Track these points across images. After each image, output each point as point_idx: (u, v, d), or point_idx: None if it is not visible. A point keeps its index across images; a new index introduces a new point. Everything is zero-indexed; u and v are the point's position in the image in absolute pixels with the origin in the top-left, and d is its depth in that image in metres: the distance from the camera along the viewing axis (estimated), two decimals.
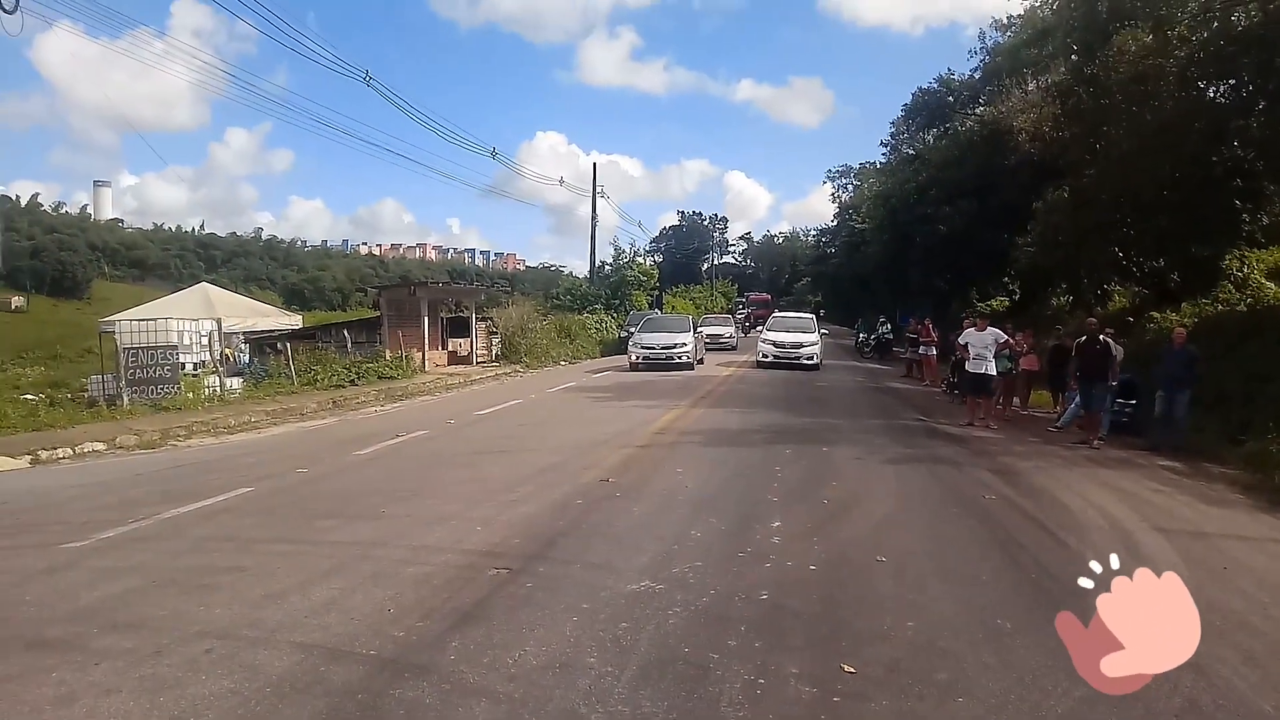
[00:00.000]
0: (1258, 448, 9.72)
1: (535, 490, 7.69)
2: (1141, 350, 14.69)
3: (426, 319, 23.95)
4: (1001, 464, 9.80)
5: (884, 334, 32.82)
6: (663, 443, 10.72)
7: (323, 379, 18.31)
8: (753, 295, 68.86)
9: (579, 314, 35.79)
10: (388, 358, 21.35)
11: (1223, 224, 16.81)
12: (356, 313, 47.78)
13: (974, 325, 14.31)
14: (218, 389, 15.95)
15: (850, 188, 64.46)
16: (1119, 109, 16.59)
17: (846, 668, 3.81)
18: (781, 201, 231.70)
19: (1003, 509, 7.42)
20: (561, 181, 44.78)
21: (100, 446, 11.32)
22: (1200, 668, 3.93)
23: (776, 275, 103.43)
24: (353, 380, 18.71)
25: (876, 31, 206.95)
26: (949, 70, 36.18)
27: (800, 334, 25.10)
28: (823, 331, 26.80)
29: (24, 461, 10.33)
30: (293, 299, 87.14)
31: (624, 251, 41.05)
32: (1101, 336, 12.14)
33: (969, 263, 30.03)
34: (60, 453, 10.83)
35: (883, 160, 46.26)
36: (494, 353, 28.04)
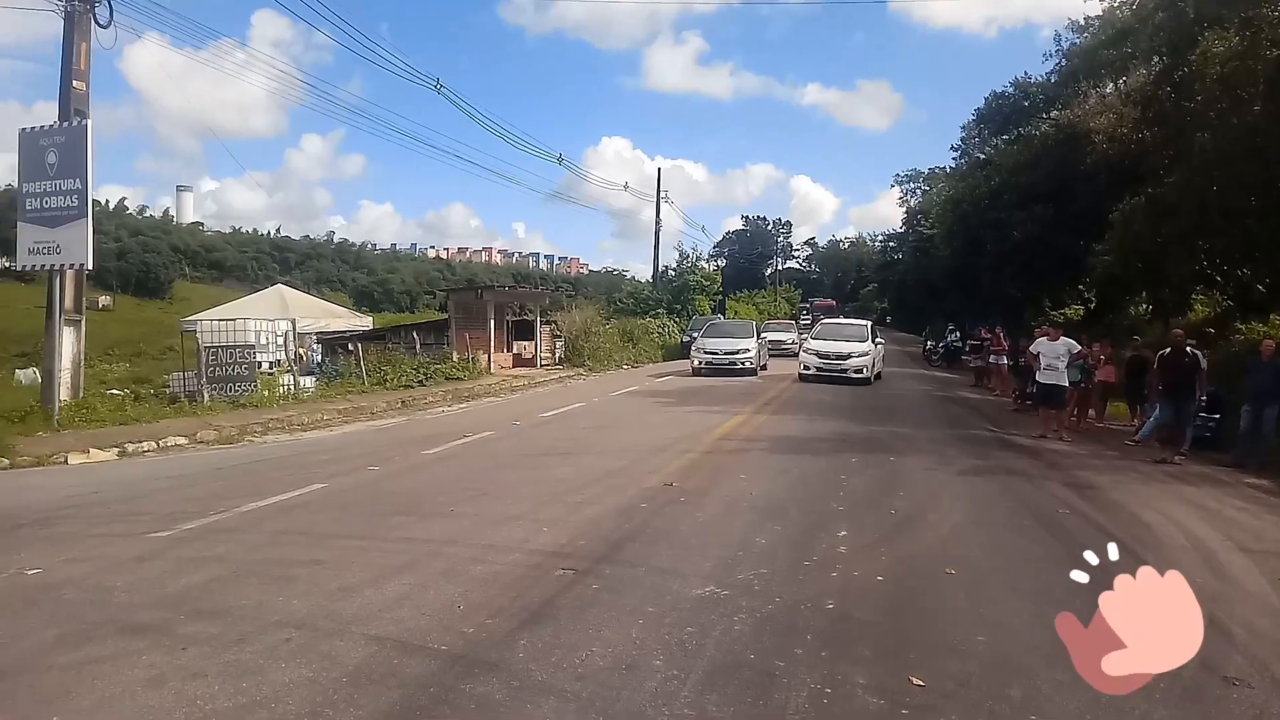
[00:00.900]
0: None
1: (600, 493, 7.75)
2: (1226, 362, 14.13)
3: (492, 322, 24.32)
4: (1076, 478, 9.54)
5: (953, 342, 32.17)
6: (726, 449, 10.70)
7: (392, 379, 18.72)
8: (817, 301, 68.15)
9: (641, 318, 35.93)
10: (455, 359, 21.75)
11: None
12: (424, 315, 48.71)
13: (1047, 334, 13.97)
14: (292, 387, 16.43)
15: (919, 192, 63.41)
16: (1205, 113, 15.98)
17: (915, 680, 3.76)
18: (848, 206, 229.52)
19: (1078, 524, 7.22)
20: (626, 186, 45.34)
21: (182, 441, 11.79)
22: None
23: (842, 281, 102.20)
24: (421, 381, 19.10)
25: (948, 34, 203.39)
26: (1025, 74, 35.36)
27: (849, 342, 21.89)
28: (878, 341, 23.49)
29: (113, 454, 10.81)
30: (363, 301, 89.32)
31: (687, 256, 41.12)
32: (1188, 348, 11.71)
33: (1042, 269, 29.22)
34: (145, 446, 11.30)
35: (953, 165, 45.38)
36: (557, 356, 28.33)
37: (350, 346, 21.17)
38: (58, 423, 11.83)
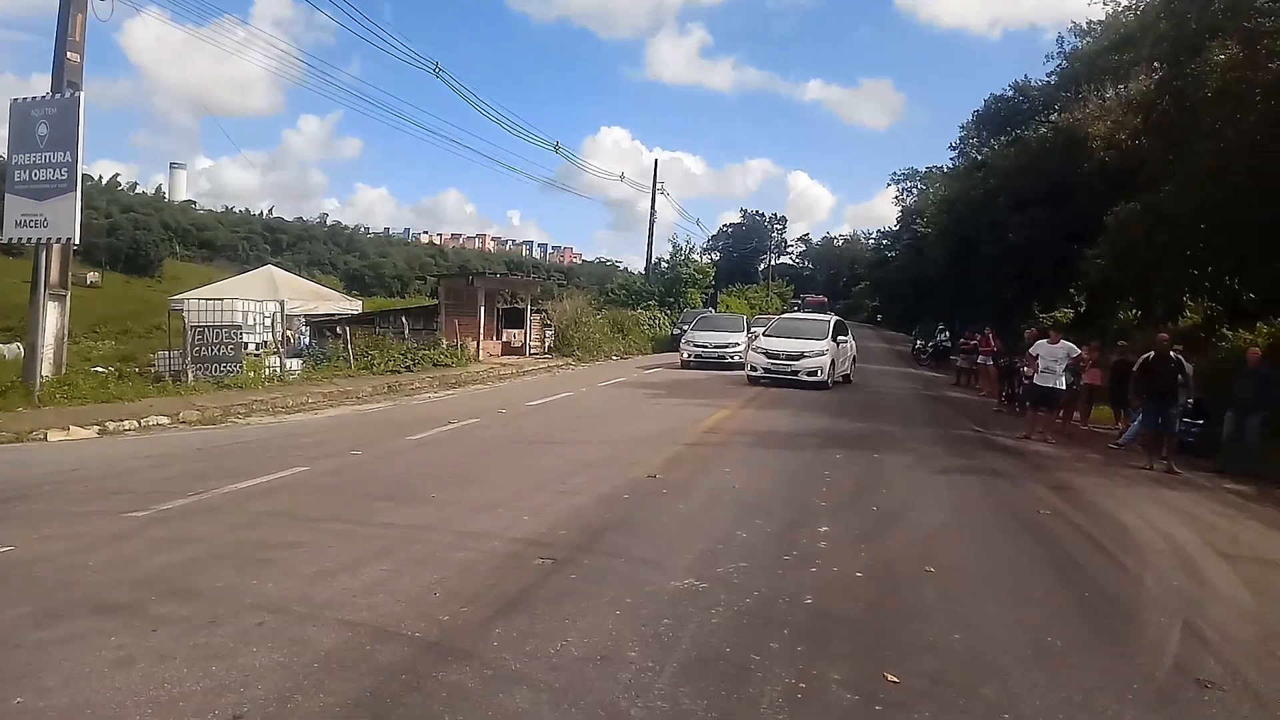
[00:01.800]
0: None
1: (583, 483, 7.72)
2: (1212, 369, 14.19)
3: (483, 309, 24.22)
4: (1059, 479, 9.56)
5: (942, 341, 32.25)
6: (711, 442, 10.69)
7: (379, 364, 18.63)
8: (809, 297, 67.99)
9: (633, 309, 35.90)
10: (443, 346, 21.63)
11: None
12: (415, 300, 48.55)
13: (1041, 337, 14.01)
14: (278, 369, 16.31)
15: (915, 192, 63.59)
16: (1204, 122, 16.00)
17: (890, 677, 3.76)
18: (844, 204, 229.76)
19: (1058, 525, 7.24)
20: (623, 177, 45.27)
21: (164, 420, 11.69)
22: (1260, 697, 3.82)
23: (834, 278, 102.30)
24: (408, 366, 19.02)
25: (953, 34, 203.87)
26: (1025, 77, 35.38)
27: (804, 340, 19.26)
28: (842, 339, 20.61)
29: (93, 431, 10.71)
30: (354, 284, 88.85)
31: (681, 249, 41.06)
32: (1173, 353, 11.74)
33: (1036, 272, 29.35)
34: (127, 424, 11.20)
35: (951, 165, 45.43)
36: (547, 345, 28.25)
37: (338, 330, 21.05)
38: (39, 399, 11.73)
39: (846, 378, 20.78)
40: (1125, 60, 23.18)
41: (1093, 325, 25.52)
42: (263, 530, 5.88)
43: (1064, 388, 13.19)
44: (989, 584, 5.38)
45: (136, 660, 3.60)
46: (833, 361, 19.11)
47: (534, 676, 3.59)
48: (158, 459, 8.96)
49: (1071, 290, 30.98)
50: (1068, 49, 30.28)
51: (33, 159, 12.14)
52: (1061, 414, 14.53)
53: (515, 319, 27.58)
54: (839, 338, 20.21)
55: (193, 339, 14.93)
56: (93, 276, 62.74)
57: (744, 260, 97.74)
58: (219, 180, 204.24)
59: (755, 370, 19.02)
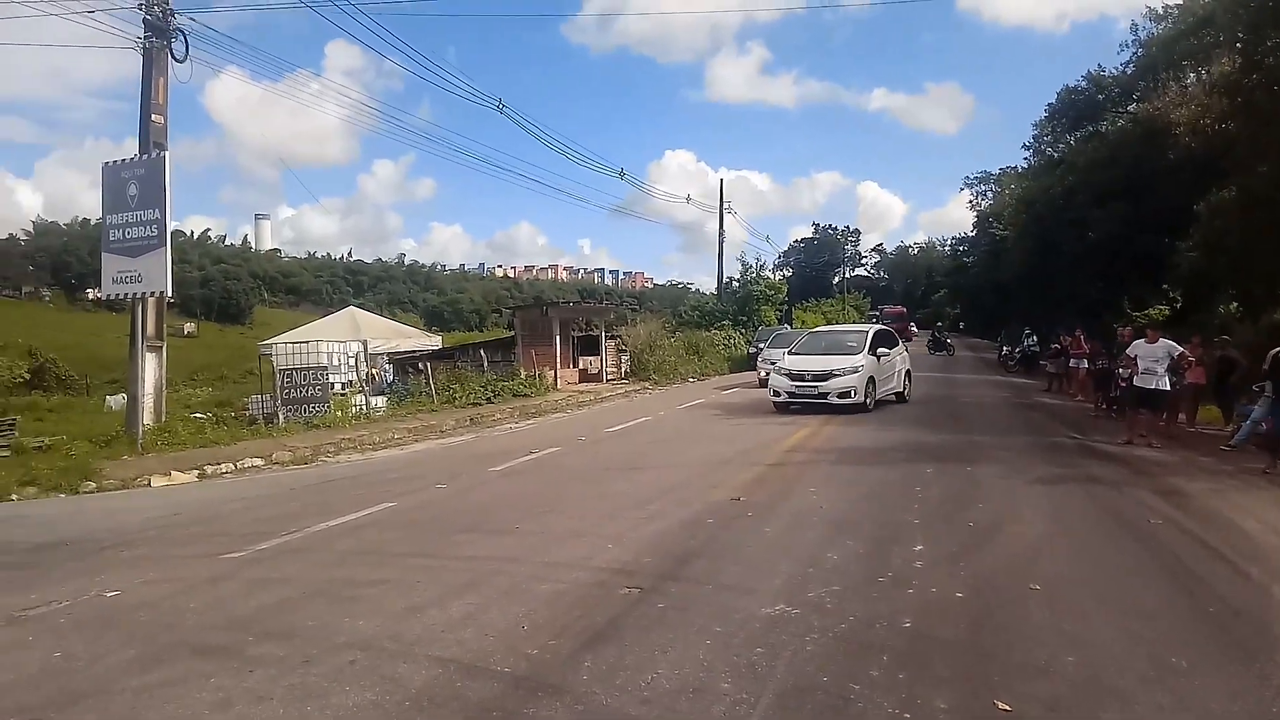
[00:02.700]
0: None
1: (666, 508, 7.63)
2: None
3: (558, 338, 24.44)
4: (1168, 485, 9.04)
5: (1030, 346, 31.17)
6: (794, 461, 10.48)
7: (461, 397, 18.93)
8: (886, 308, 66.64)
9: (706, 330, 35.76)
10: (522, 376, 21.89)
11: None
12: (492, 333, 49.38)
13: (1137, 336, 13.38)
14: (364, 407, 16.73)
15: (990, 194, 61.95)
16: None
17: (1001, 705, 3.54)
18: (916, 211, 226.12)
19: (1170, 534, 6.82)
20: (689, 199, 44.93)
21: (259, 462, 12.07)
22: None
23: (912, 287, 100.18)
24: (489, 398, 19.27)
25: (1019, 32, 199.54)
26: (1098, 67, 34.15)
27: (834, 357, 16.48)
28: (883, 352, 17.06)
29: (192, 476, 11.12)
30: (433, 320, 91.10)
31: (751, 267, 40.77)
32: None
33: (1122, 269, 28.19)
34: (224, 468, 11.61)
35: (1025, 164, 44.10)
36: (623, 370, 28.34)
37: (420, 366, 21.50)
38: (141, 446, 12.24)
39: (900, 395, 18.01)
40: (1205, 43, 22.19)
41: (1190, 321, 24.32)
42: (352, 568, 5.96)
43: (1167, 388, 12.53)
44: (1099, 599, 5.07)
45: (234, 703, 3.65)
46: (871, 379, 16.21)
47: (625, 711, 3.50)
48: (253, 500, 9.23)
49: (1166, 286, 29.64)
50: (1143, 36, 29.11)
51: (125, 218, 12.79)
52: (1165, 416, 13.81)
53: (590, 346, 27.76)
54: (880, 350, 16.96)
55: (281, 382, 15.42)
56: (189, 327, 65.81)
57: (817, 275, 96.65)
58: (301, 228, 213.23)
59: (779, 395, 16.57)
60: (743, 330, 36.71)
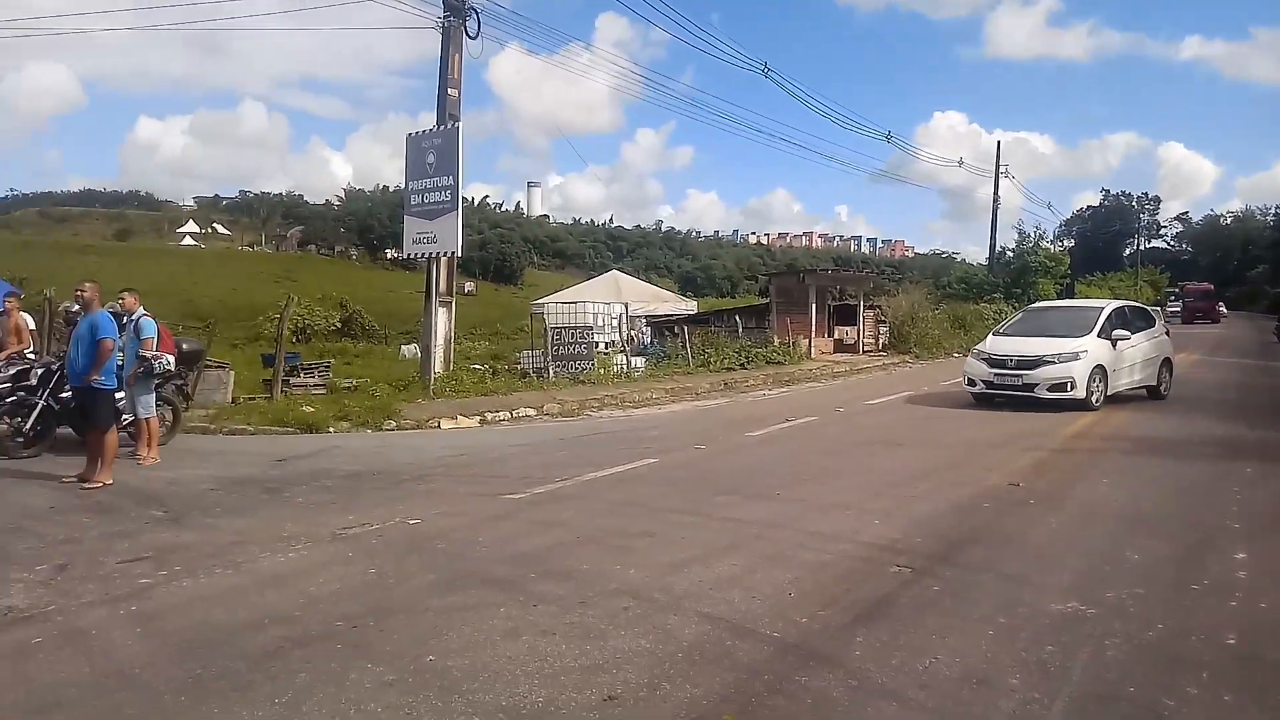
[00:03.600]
0: None
1: (934, 488, 7.23)
2: None
3: (814, 306, 23.99)
4: None
5: None
6: (1081, 448, 9.53)
7: (715, 361, 19.15)
8: (1189, 285, 58.55)
9: (975, 303, 33.56)
10: (775, 343, 21.75)
11: None
12: (745, 299, 49.53)
13: None
14: (624, 366, 17.39)
15: None
16: None
17: None
18: (1232, 175, 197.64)
19: None
20: (961, 163, 41.94)
21: (531, 412, 12.92)
22: None
23: (1222, 262, 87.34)
24: (742, 364, 19.35)
25: None
26: None
27: (1051, 339, 13.01)
28: (1121, 334, 13.29)
29: (475, 421, 12.11)
30: (687, 286, 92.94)
31: (1028, 236, 37.57)
32: None
33: None
34: (501, 415, 12.53)
35: None
36: (880, 342, 27.32)
37: (675, 329, 22.00)
38: (432, 392, 13.52)
39: (1154, 390, 14.01)
40: None
41: None
42: (620, 518, 6.19)
43: None
44: None
45: (522, 633, 3.90)
46: (1100, 369, 12.67)
47: (904, 693, 3.33)
48: (528, 447, 9.90)
49: None
50: None
51: (424, 184, 14.06)
52: None
53: (847, 316, 27.00)
54: (1118, 333, 13.27)
55: (552, 339, 16.37)
56: (469, 286, 71.88)
57: (1106, 246, 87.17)
58: (568, 195, 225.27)
59: (974, 384, 13.43)
60: (1015, 304, 34.07)
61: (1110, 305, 14.50)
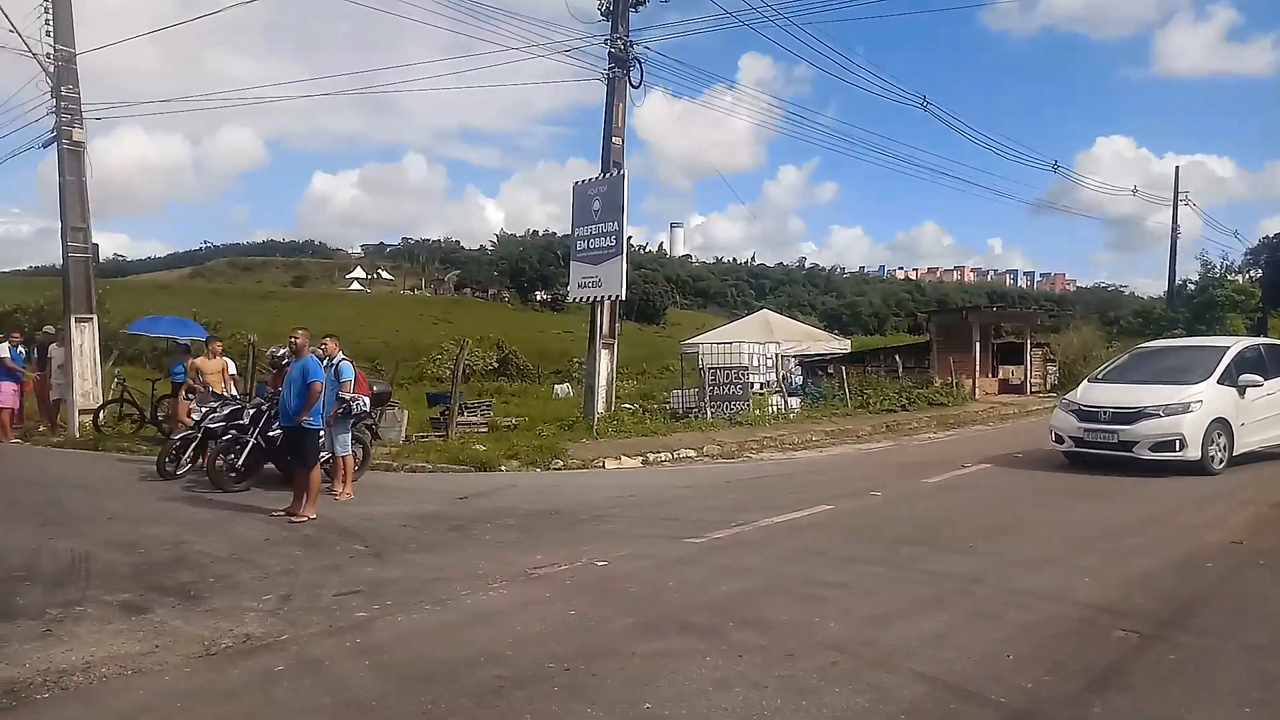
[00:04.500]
0: None
1: (1144, 544, 6.72)
2: None
3: (977, 345, 23.02)
4: None
5: None
6: None
7: (874, 403, 18.64)
8: None
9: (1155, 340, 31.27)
10: (937, 384, 20.98)
11: None
12: (896, 338, 48.13)
13: None
14: (781, 407, 17.19)
15: None
16: None
17: None
18: None
19: None
20: (1135, 191, 39.29)
21: (691, 453, 12.95)
22: None
23: None
24: (904, 405, 18.75)
25: None
26: None
27: (1155, 388, 10.86)
28: (1252, 382, 10.85)
29: (638, 461, 12.24)
30: (832, 323, 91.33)
31: (1212, 266, 34.79)
32: None
33: None
34: (663, 456, 12.63)
35: None
36: (1049, 382, 25.86)
37: (829, 369, 21.60)
38: (595, 432, 13.77)
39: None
40: None
41: None
42: (806, 566, 6.07)
43: None
44: None
45: (733, 684, 3.85)
46: (1222, 423, 10.50)
47: None
48: (695, 489, 9.91)
49: None
50: None
51: (589, 230, 14.48)
52: None
53: (1012, 354, 25.76)
54: (1248, 378, 10.90)
55: (707, 379, 16.40)
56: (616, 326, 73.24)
57: None
58: (709, 234, 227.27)
59: (1061, 442, 11.34)
60: None
61: (1240, 344, 11.81)
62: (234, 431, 9.53)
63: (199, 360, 11.84)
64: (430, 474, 11.24)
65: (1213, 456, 10.37)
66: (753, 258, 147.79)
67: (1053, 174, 38.65)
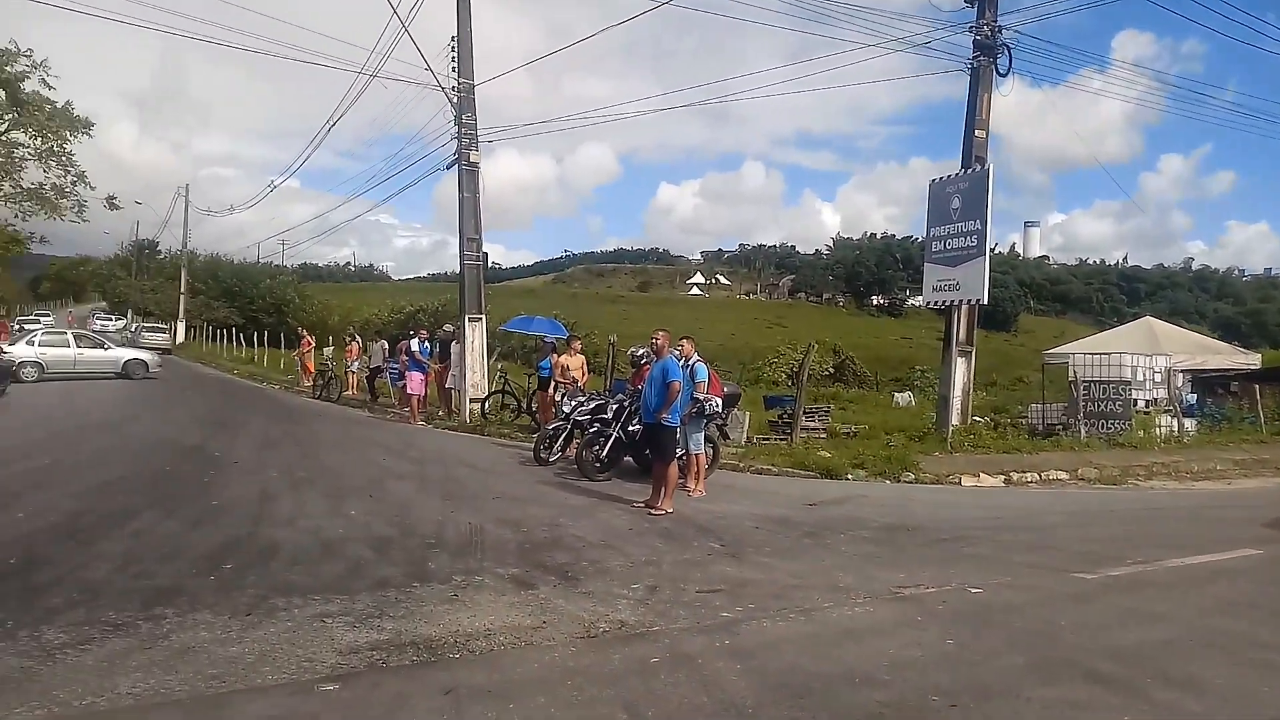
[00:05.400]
0: None
1: None
2: None
3: None
4: None
5: None
6: None
7: None
8: None
9: None
10: None
11: None
12: None
13: None
14: (1172, 429, 14.92)
15: None
16: None
17: None
18: None
19: None
20: None
21: (1063, 475, 11.63)
22: None
23: None
24: None
25: None
26: None
27: None
28: None
29: (999, 480, 11.23)
30: (1227, 334, 78.43)
31: None
32: None
33: None
34: (1028, 476, 11.46)
35: None
36: None
37: (1232, 387, 18.38)
38: (949, 445, 12.87)
39: None
40: None
41: None
42: (1237, 620, 5.06)
43: None
44: None
45: None
46: None
47: None
48: (1072, 516, 8.84)
49: None
50: None
51: (946, 230, 13.58)
52: None
53: None
54: None
55: (1079, 394, 14.66)
56: None
57: None
58: (1070, 234, 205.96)
59: None
60: None
61: None
62: (598, 425, 10.20)
63: (563, 357, 12.85)
64: (775, 477, 11.19)
65: None
66: (1124, 259, 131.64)
67: None
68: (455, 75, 16.40)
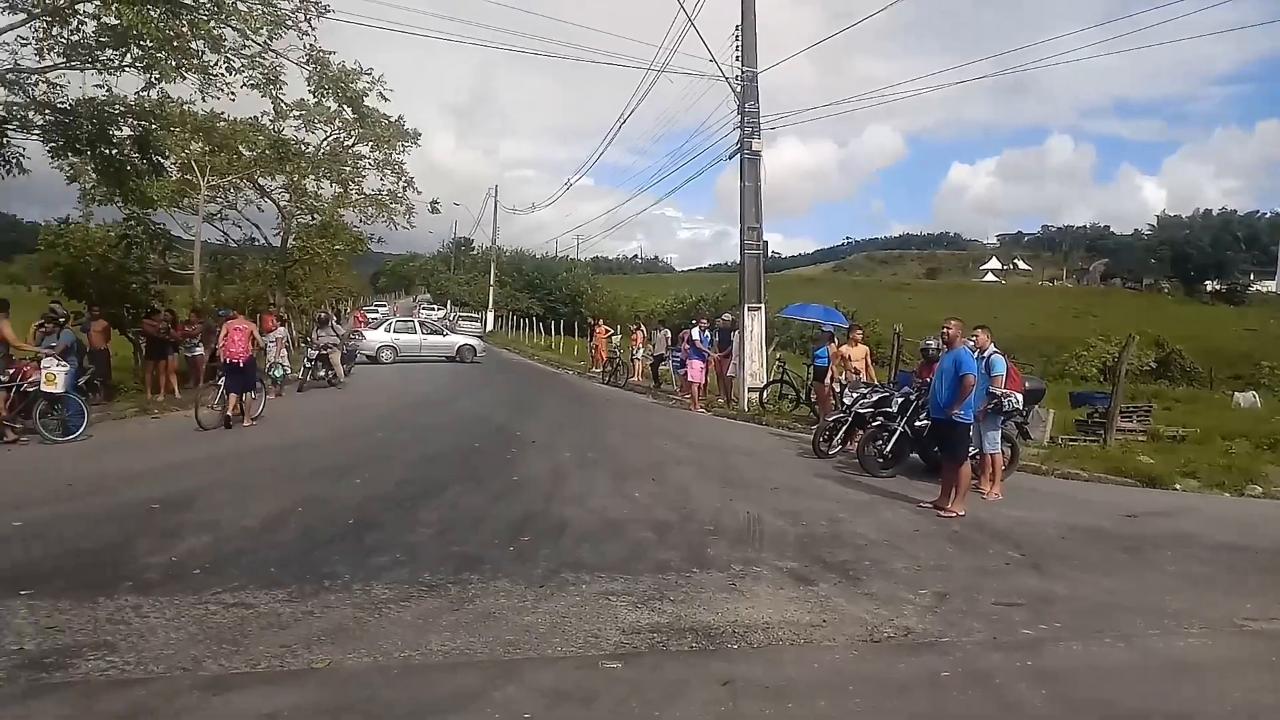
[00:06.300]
0: None
1: None
2: None
3: None
4: None
5: None
6: None
7: None
8: None
9: None
10: None
11: None
12: None
13: None
14: None
15: None
16: None
17: None
18: None
19: None
20: None
21: None
22: None
23: None
24: None
25: None
26: None
27: None
28: None
29: None
30: None
31: None
32: None
33: None
34: None
35: None
36: None
37: None
38: None
39: None
40: None
41: None
42: None
43: None
44: None
45: None
46: None
47: None
48: None
49: None
50: None
51: None
52: None
53: None
54: None
55: None
56: None
57: None
58: None
59: None
60: None
61: None
62: (882, 419, 9.75)
63: (843, 347, 12.44)
64: (1084, 483, 10.06)
65: None
66: None
67: None
68: (739, 64, 16.48)
